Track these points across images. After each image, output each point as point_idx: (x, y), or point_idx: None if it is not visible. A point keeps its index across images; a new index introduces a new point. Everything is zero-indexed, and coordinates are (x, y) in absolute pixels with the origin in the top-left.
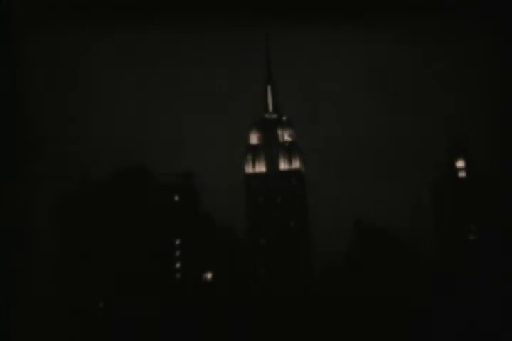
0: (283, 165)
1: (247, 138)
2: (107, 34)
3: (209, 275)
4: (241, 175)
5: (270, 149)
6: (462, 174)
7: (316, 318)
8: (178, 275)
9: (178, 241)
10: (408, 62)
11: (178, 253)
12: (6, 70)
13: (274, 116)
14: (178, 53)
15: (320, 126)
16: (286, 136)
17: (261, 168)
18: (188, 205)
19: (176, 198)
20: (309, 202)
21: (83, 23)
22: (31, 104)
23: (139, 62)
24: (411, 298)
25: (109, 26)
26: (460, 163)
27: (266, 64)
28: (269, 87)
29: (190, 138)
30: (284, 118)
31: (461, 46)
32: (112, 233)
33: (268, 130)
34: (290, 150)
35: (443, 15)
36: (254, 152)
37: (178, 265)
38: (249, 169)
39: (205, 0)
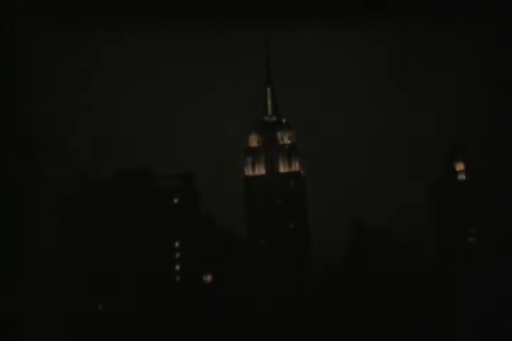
0: (282, 168)
1: (247, 141)
2: (107, 35)
3: (209, 277)
4: (241, 178)
5: (270, 151)
6: (462, 176)
7: (315, 318)
8: (178, 277)
9: (177, 243)
10: (408, 62)
11: (177, 255)
12: (6, 70)
13: (274, 118)
14: (178, 55)
15: (319, 127)
16: (285, 139)
17: (260, 170)
18: (187, 207)
19: (176, 200)
20: (309, 203)
21: (83, 23)
22: (31, 104)
23: (139, 63)
24: (411, 298)
25: (110, 27)
26: (460, 166)
27: (265, 66)
28: (268, 89)
29: (190, 140)
30: (284, 120)
31: (461, 47)
32: (111, 234)
33: (267, 132)
34: (290, 153)
35: (443, 16)
36: (254, 154)
37: (177, 267)
38: (248, 171)
39: (205, 3)
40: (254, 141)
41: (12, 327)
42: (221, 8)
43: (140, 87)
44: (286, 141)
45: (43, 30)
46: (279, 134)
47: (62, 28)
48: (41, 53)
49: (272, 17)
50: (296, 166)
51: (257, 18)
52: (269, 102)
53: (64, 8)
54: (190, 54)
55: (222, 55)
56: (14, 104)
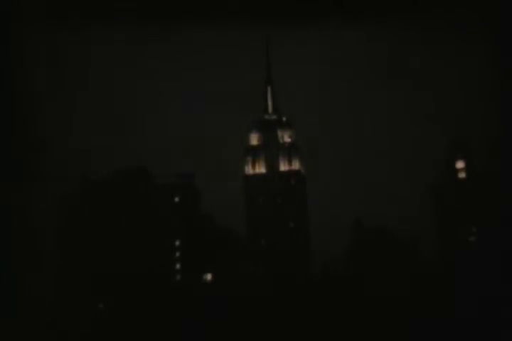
0: (283, 166)
1: (247, 139)
2: (107, 34)
3: (209, 276)
4: (241, 176)
5: (270, 150)
6: (462, 175)
7: (314, 317)
8: (177, 276)
9: (178, 242)
10: (408, 62)
11: (178, 254)
12: (6, 70)
13: (274, 117)
14: (178, 54)
15: (320, 126)
16: (285, 137)
17: (261, 168)
18: (188, 206)
19: (176, 199)
20: (309, 202)
21: (83, 23)
22: (31, 104)
23: (139, 63)
24: (411, 298)
25: (110, 27)
26: (460, 164)
27: (266, 65)
28: (269, 88)
29: (190, 139)
30: (284, 119)
31: (461, 47)
32: (111, 234)
33: (268, 131)
34: (290, 151)
35: (443, 16)
36: (254, 153)
37: (178, 266)
38: (249, 170)
39: (206, 3)
40: (254, 140)
41: (12, 327)
42: (221, 8)
43: (140, 87)
44: (287, 139)
45: (42, 30)
46: (279, 133)
47: (62, 28)
48: (41, 53)
49: (271, 17)
50: (296, 165)
51: (256, 18)
52: (269, 101)
53: (64, 8)
54: (190, 54)
55: (223, 54)
56: (13, 104)
